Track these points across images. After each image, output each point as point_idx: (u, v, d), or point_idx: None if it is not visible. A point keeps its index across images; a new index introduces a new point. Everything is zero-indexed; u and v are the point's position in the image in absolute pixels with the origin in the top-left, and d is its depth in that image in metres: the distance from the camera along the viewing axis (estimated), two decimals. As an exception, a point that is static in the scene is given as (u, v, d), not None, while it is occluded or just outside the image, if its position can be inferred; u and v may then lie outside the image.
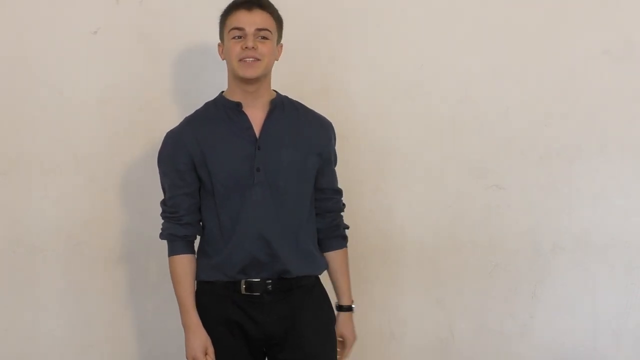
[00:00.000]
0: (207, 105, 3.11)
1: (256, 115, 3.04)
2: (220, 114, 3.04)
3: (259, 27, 2.98)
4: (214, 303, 3.03)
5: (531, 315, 3.77)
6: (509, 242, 3.75)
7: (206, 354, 3.00)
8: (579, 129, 3.73)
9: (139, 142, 3.55)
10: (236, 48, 2.97)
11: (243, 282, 3.00)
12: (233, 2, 3.02)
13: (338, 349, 3.12)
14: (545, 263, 3.75)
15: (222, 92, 3.11)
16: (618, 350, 3.78)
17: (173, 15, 3.55)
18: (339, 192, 3.18)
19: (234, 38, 2.98)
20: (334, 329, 3.13)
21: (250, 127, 3.02)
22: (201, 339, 3.01)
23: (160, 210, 3.10)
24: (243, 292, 3.00)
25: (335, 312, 3.15)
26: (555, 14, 3.70)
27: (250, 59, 2.97)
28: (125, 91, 3.54)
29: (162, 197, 3.10)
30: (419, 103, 3.69)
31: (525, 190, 3.74)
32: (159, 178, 3.10)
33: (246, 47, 2.96)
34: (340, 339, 3.14)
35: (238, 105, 3.03)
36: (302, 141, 3.05)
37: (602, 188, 3.75)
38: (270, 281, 3.00)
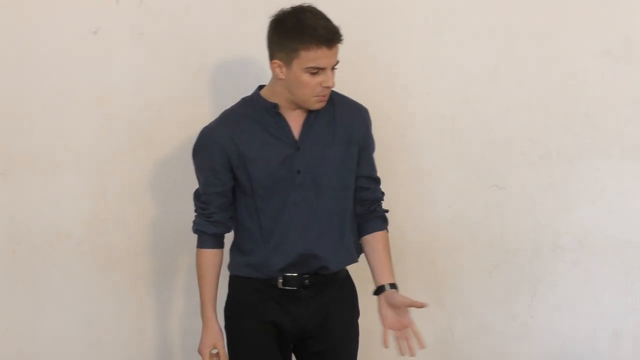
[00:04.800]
0: (244, 101, 3.05)
1: (293, 115, 2.99)
2: (256, 114, 2.99)
3: (335, 63, 2.93)
4: (250, 298, 3.01)
5: (531, 315, 3.77)
6: (509, 242, 3.75)
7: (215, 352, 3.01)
8: (579, 129, 3.73)
9: (139, 142, 3.54)
10: (312, 82, 2.89)
11: (280, 277, 3.00)
12: (311, 32, 2.86)
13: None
14: (545, 263, 3.75)
15: (260, 87, 3.04)
16: (618, 350, 3.78)
17: (173, 15, 3.55)
18: (377, 181, 3.12)
19: (310, 73, 2.89)
20: (357, 323, 3.14)
21: (288, 127, 2.98)
22: (211, 334, 3.01)
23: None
24: (280, 286, 3.00)
25: (388, 289, 3.06)
26: (556, 14, 3.70)
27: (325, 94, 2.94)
28: (125, 91, 3.54)
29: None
30: (419, 103, 3.69)
31: (525, 190, 3.74)
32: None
33: (327, 87, 2.91)
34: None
35: (275, 107, 2.97)
36: (340, 135, 3.01)
37: (602, 188, 3.75)
38: (307, 276, 3.00)
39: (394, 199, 3.70)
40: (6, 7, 3.47)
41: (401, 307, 3.04)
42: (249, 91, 3.51)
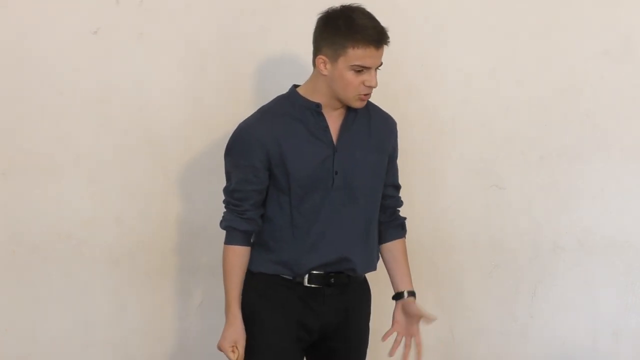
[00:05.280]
0: (280, 100, 3.04)
1: (332, 117, 3.00)
2: (296, 113, 2.98)
3: (379, 64, 2.95)
4: (277, 295, 3.01)
5: (531, 315, 3.77)
6: (509, 242, 3.75)
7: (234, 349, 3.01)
8: (579, 129, 3.73)
9: (139, 142, 3.55)
10: (356, 81, 2.91)
11: (307, 274, 3.01)
12: (361, 31, 2.88)
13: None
14: (545, 263, 3.76)
15: (295, 87, 3.03)
16: (618, 350, 3.78)
17: (173, 15, 3.55)
18: (398, 189, 3.17)
19: (354, 70, 2.90)
20: (369, 324, 3.17)
21: (327, 128, 2.99)
22: (235, 331, 3.00)
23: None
24: (305, 283, 3.00)
25: (405, 297, 3.10)
26: (556, 13, 3.70)
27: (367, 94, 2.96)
28: (125, 91, 3.54)
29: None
30: (419, 103, 3.70)
31: (525, 190, 3.74)
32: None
33: (370, 86, 2.93)
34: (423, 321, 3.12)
35: (318, 106, 2.98)
36: (374, 142, 3.05)
37: (602, 188, 3.75)
38: (333, 274, 3.02)
39: (394, 199, 3.71)
40: (6, 7, 3.47)
41: (414, 317, 3.10)
42: (249, 91, 3.52)
